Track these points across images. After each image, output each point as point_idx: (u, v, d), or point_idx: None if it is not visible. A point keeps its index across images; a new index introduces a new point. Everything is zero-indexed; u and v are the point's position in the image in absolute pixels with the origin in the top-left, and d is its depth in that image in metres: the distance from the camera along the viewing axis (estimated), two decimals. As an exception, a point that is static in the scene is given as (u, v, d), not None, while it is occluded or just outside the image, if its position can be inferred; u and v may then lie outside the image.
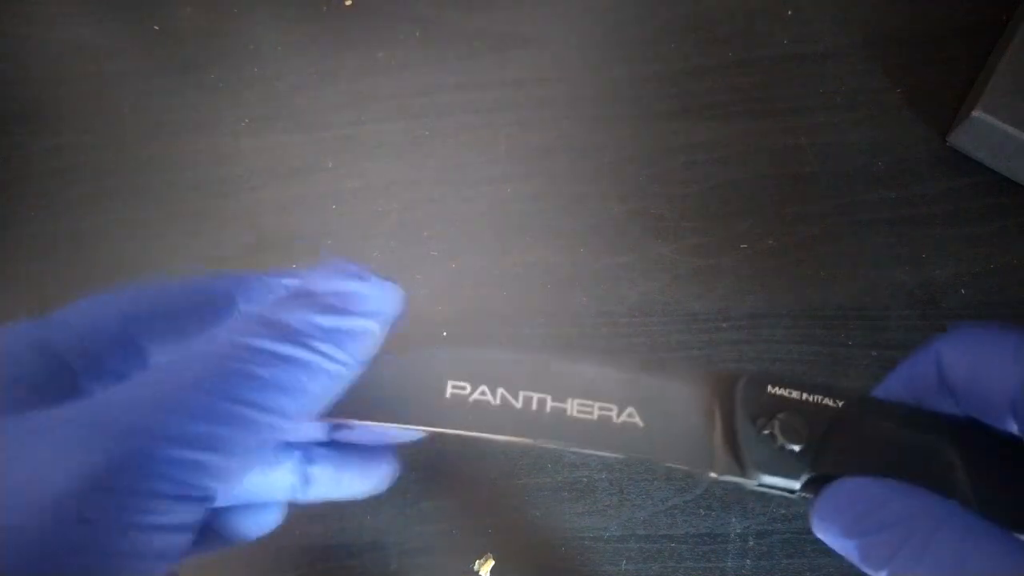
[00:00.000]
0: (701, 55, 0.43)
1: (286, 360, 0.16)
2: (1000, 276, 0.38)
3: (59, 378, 0.17)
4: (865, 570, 0.18)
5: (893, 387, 0.22)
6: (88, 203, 0.43)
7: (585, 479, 0.37)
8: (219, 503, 0.15)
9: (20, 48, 0.46)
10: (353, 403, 0.20)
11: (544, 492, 0.37)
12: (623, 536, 0.36)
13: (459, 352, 0.21)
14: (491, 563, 0.36)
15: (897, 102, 0.41)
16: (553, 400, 0.21)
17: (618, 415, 0.21)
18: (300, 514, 0.38)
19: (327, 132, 0.43)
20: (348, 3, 0.45)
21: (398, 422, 0.20)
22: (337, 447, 0.22)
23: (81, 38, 0.45)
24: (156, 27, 0.45)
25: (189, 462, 0.14)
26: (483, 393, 0.20)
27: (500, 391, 0.21)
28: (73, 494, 0.13)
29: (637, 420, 0.21)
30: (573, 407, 0.21)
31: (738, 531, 0.36)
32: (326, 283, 0.17)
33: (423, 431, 0.20)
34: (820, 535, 0.19)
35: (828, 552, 0.36)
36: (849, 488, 0.19)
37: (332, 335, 0.17)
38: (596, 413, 0.21)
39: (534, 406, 0.20)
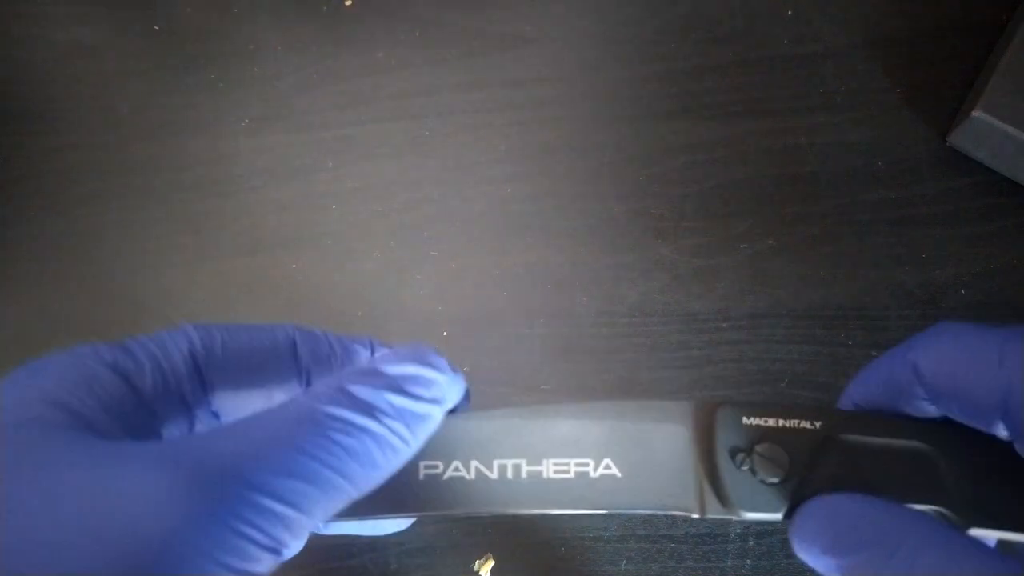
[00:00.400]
0: (701, 55, 0.43)
1: (361, 430, 0.17)
2: (1000, 276, 0.38)
3: (138, 407, 0.18)
4: None
5: (868, 385, 0.21)
6: (88, 203, 0.43)
7: (585, 479, 0.37)
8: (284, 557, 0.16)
9: (20, 48, 0.46)
10: None
11: (544, 492, 0.37)
12: (623, 536, 0.36)
13: None
14: (491, 563, 0.36)
15: (897, 102, 0.41)
16: (528, 464, 0.20)
17: (595, 469, 0.20)
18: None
19: (327, 132, 0.43)
20: (348, 3, 0.45)
21: (375, 514, 0.20)
22: None
23: (81, 38, 0.45)
24: (156, 27, 0.45)
25: (275, 514, 0.15)
26: (456, 469, 0.20)
27: (473, 464, 0.20)
28: (162, 532, 0.14)
29: (615, 471, 0.20)
30: (549, 468, 0.20)
31: (738, 531, 0.36)
32: (401, 364, 0.18)
33: (400, 518, 0.20)
34: (801, 555, 0.19)
35: (828, 552, 0.36)
36: (827, 506, 0.18)
37: (402, 414, 0.17)
38: (573, 470, 0.20)
39: (509, 474, 0.20)
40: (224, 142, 0.43)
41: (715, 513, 0.20)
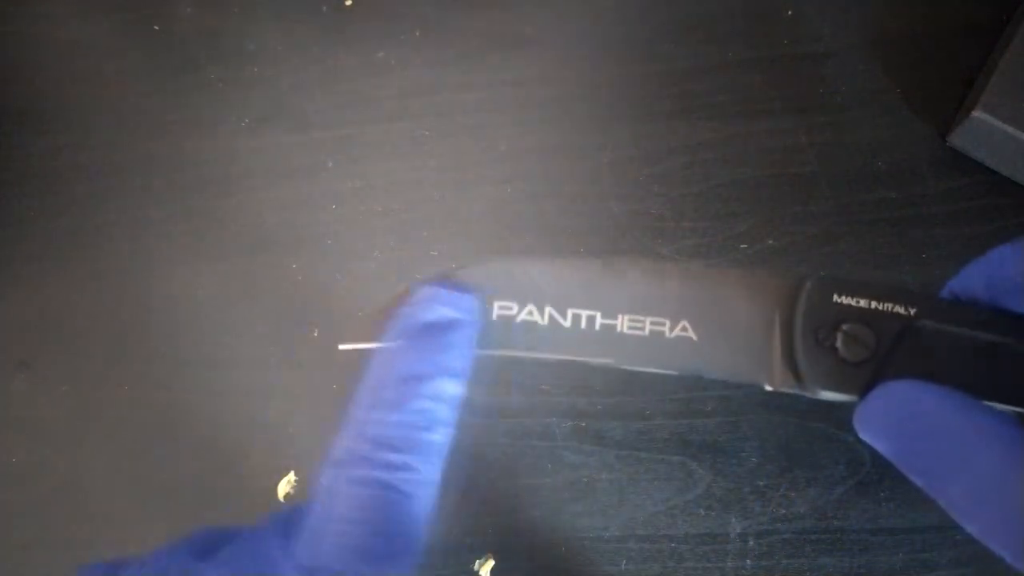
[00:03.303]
0: (701, 55, 0.42)
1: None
2: (1000, 276, 0.38)
3: None
4: (906, 474, 0.17)
5: (969, 282, 0.20)
6: (88, 203, 0.43)
7: (585, 479, 0.37)
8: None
9: (20, 48, 0.46)
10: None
11: (544, 492, 0.37)
12: (623, 536, 0.36)
13: (503, 267, 0.20)
14: (491, 563, 0.36)
15: (897, 102, 0.41)
16: (603, 317, 0.20)
17: (671, 329, 0.20)
18: (300, 514, 0.38)
19: (327, 132, 0.43)
20: (348, 3, 0.45)
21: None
22: None
23: (81, 38, 0.45)
24: (156, 27, 0.45)
25: None
26: (530, 313, 0.20)
27: (548, 309, 0.20)
28: None
29: (691, 334, 0.20)
30: (623, 323, 0.20)
31: (738, 531, 0.36)
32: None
33: (474, 354, 0.20)
34: (862, 436, 0.18)
35: (828, 552, 0.36)
36: (896, 391, 0.18)
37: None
38: (648, 328, 0.20)
39: (583, 324, 0.20)
40: (224, 142, 0.43)
41: (788, 387, 0.19)
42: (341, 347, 0.20)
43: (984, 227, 0.39)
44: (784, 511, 0.36)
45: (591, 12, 0.44)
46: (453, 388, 0.19)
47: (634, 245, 0.40)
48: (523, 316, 0.20)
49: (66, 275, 0.42)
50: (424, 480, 0.18)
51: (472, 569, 0.36)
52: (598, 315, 0.20)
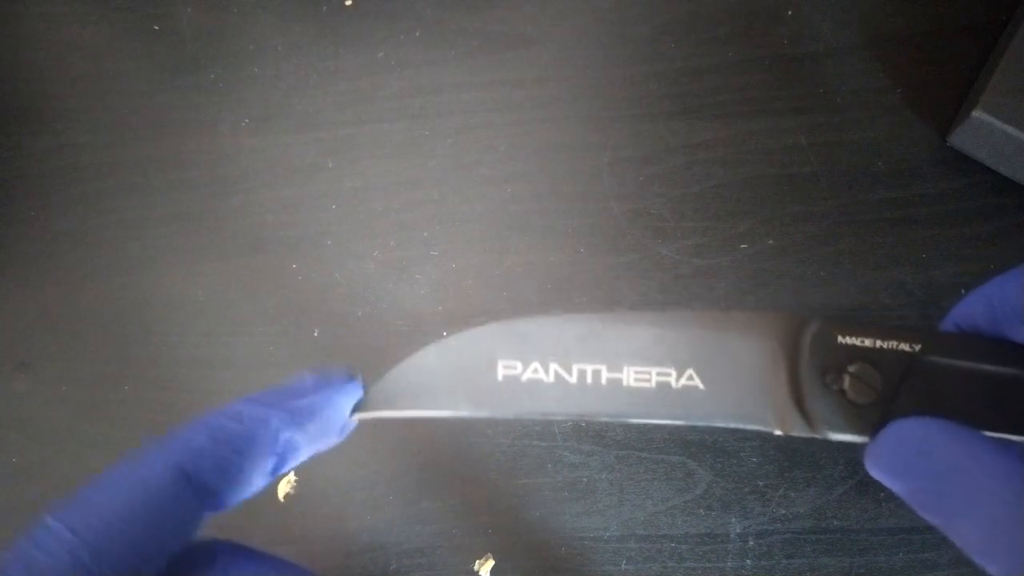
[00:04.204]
0: (701, 55, 0.43)
1: None
2: (1000, 276, 0.38)
3: None
4: (920, 513, 0.17)
5: (971, 310, 0.20)
6: (88, 203, 0.43)
7: (585, 479, 0.37)
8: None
9: (20, 48, 0.46)
10: (400, 394, 0.20)
11: (544, 492, 0.37)
12: (623, 536, 0.36)
13: (506, 328, 0.20)
14: (491, 563, 0.36)
15: (897, 102, 0.41)
16: (608, 371, 0.20)
17: (677, 379, 0.20)
18: (300, 514, 0.38)
19: (327, 132, 0.43)
20: (348, 3, 0.45)
21: (452, 410, 0.20)
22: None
23: (81, 38, 0.45)
24: (156, 27, 0.45)
25: None
26: (535, 371, 0.20)
27: (553, 367, 0.20)
28: None
29: (697, 383, 0.20)
30: (630, 376, 0.20)
31: (738, 531, 0.36)
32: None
33: (478, 417, 0.20)
34: (873, 475, 0.18)
35: (828, 552, 0.36)
36: (904, 429, 0.18)
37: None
38: (654, 380, 0.20)
39: (589, 379, 0.20)
40: (224, 142, 0.43)
41: (799, 432, 0.19)
42: (356, 417, 0.20)
43: (984, 227, 0.39)
44: (784, 511, 0.36)
45: (591, 12, 0.44)
46: (286, 431, 0.19)
47: (634, 245, 0.40)
48: (528, 375, 0.20)
49: (66, 275, 0.42)
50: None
51: (472, 569, 0.36)
52: (604, 369, 0.20)
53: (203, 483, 0.18)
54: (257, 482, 0.19)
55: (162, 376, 0.40)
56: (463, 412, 0.20)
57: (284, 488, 0.38)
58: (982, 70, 0.40)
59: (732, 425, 0.19)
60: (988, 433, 0.18)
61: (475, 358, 0.20)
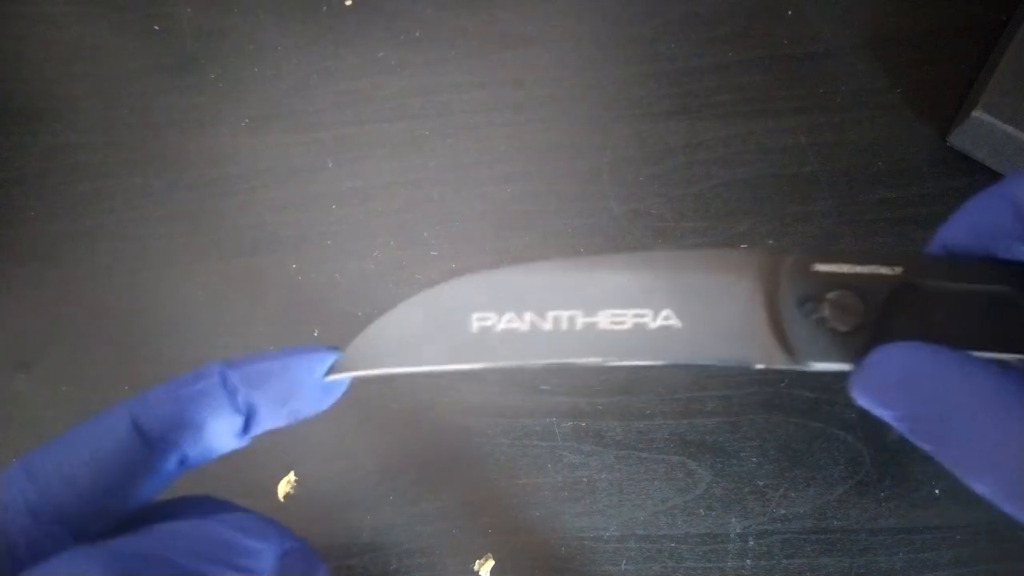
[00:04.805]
0: (701, 55, 0.43)
1: None
2: (1000, 276, 0.38)
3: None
4: (909, 438, 0.17)
5: (957, 231, 0.19)
6: (88, 203, 0.43)
7: (585, 479, 0.37)
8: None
9: (20, 48, 0.46)
10: (378, 352, 0.19)
11: (544, 492, 0.37)
12: (623, 536, 0.36)
13: (481, 279, 0.20)
14: (491, 563, 0.36)
15: (897, 102, 0.41)
16: (584, 315, 0.19)
17: (654, 319, 0.19)
18: (300, 514, 0.38)
19: (327, 132, 0.43)
20: (348, 3, 0.45)
21: (429, 365, 0.20)
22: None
23: (81, 38, 0.45)
24: (156, 27, 0.45)
25: None
26: (510, 321, 0.19)
27: (528, 315, 0.19)
28: None
29: (675, 322, 0.19)
30: (606, 319, 0.19)
31: (738, 531, 0.36)
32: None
33: (456, 370, 0.20)
34: (861, 403, 0.18)
35: (828, 552, 0.36)
36: (892, 354, 0.17)
37: None
38: (630, 322, 0.19)
39: (564, 325, 0.19)
40: (224, 142, 0.43)
41: (780, 364, 0.19)
42: (331, 378, 0.20)
43: (984, 227, 0.39)
44: (784, 511, 0.36)
45: (591, 12, 0.44)
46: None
47: (634, 245, 0.40)
48: (503, 325, 0.20)
49: (66, 275, 0.42)
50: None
51: (472, 569, 0.36)
52: (579, 314, 0.19)
53: (154, 432, 0.18)
54: (225, 439, 0.19)
55: (162, 376, 0.40)
56: (440, 366, 0.20)
57: (284, 488, 0.38)
58: (982, 70, 0.40)
59: (713, 362, 0.19)
60: (977, 353, 0.17)
61: (451, 311, 0.20)
